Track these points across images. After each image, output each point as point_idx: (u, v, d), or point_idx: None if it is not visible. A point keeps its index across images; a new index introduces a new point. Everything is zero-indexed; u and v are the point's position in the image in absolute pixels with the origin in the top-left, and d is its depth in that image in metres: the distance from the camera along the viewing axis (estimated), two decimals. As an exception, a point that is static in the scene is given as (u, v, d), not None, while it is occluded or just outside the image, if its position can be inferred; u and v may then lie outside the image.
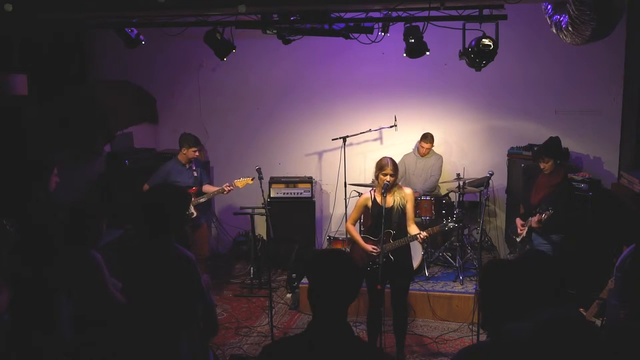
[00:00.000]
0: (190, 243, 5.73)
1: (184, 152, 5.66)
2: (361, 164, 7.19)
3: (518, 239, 5.28)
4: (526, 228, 5.12)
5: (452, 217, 4.52)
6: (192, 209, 5.59)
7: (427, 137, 6.44)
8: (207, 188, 5.83)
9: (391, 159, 4.35)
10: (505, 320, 2.00)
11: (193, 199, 5.66)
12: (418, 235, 4.30)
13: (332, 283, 1.95)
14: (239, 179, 5.79)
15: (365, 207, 4.50)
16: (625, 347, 2.58)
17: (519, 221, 5.28)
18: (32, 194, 3.94)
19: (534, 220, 4.94)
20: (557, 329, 1.69)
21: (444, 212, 6.21)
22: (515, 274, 2.08)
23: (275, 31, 4.98)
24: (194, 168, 5.79)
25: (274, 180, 6.97)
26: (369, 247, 4.39)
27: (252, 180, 5.84)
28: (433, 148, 6.58)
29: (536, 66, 6.62)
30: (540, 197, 5.06)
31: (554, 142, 5.30)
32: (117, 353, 2.97)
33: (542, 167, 5.06)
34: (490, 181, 5.07)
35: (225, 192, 5.74)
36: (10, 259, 2.92)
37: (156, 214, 2.92)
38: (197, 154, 5.66)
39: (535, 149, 5.68)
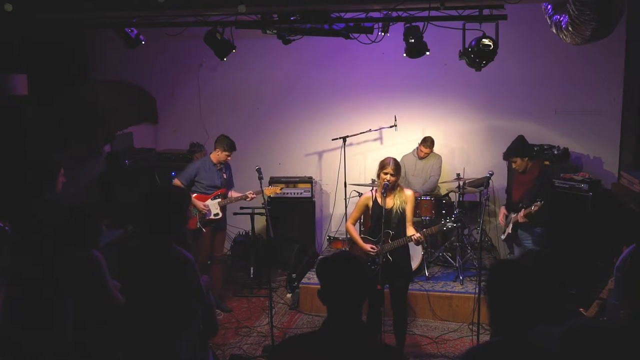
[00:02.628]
0: (210, 244, 5.80)
1: (217, 154, 5.70)
2: (361, 164, 7.19)
3: (503, 237, 5.35)
4: (510, 225, 5.15)
5: (451, 217, 4.53)
6: (218, 210, 5.68)
7: (427, 142, 6.43)
8: (231, 193, 5.89)
9: (394, 159, 4.36)
10: (515, 321, 1.99)
11: (220, 200, 5.70)
12: (412, 237, 4.32)
13: (341, 285, 2.03)
14: (267, 187, 5.92)
15: (366, 207, 4.51)
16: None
17: (503, 210, 5.36)
18: (40, 195, 3.94)
19: (520, 215, 4.97)
20: (589, 335, 1.65)
21: (444, 212, 6.21)
22: (523, 274, 2.07)
23: (275, 31, 4.98)
24: (224, 170, 5.83)
25: (274, 180, 6.97)
26: (367, 246, 4.40)
27: (280, 189, 6.00)
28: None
29: (536, 66, 6.61)
30: (520, 194, 5.12)
31: (519, 141, 5.39)
32: (117, 353, 2.98)
33: (514, 167, 5.16)
34: (490, 181, 5.06)
35: (248, 199, 5.79)
36: (12, 260, 2.92)
37: (156, 213, 2.92)
38: (229, 158, 5.74)
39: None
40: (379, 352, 2.01)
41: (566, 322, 1.71)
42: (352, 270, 2.06)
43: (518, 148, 5.21)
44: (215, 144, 5.73)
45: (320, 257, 1.76)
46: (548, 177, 5.33)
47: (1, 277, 2.80)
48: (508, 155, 5.27)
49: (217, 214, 5.71)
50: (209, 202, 5.67)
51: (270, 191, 5.86)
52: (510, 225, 5.14)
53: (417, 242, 4.38)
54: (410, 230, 4.40)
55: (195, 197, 5.62)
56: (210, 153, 5.81)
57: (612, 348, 1.59)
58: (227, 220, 6.01)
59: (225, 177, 5.82)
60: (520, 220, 4.98)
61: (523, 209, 4.95)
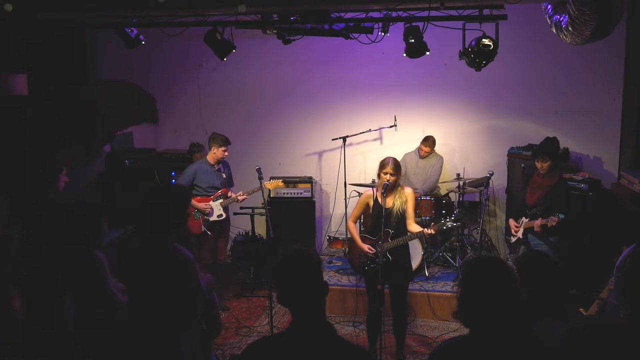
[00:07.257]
0: (214, 247, 5.82)
1: (214, 152, 5.68)
2: (361, 164, 7.19)
3: (512, 240, 5.17)
4: (521, 229, 5.02)
5: (451, 217, 4.48)
6: (221, 211, 5.68)
7: (428, 141, 6.43)
8: (230, 193, 5.89)
9: (394, 158, 4.35)
10: (484, 317, 2.00)
11: (222, 201, 5.69)
12: (423, 231, 4.31)
13: (297, 287, 2.02)
14: (269, 180, 5.94)
15: (367, 205, 4.51)
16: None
17: (512, 222, 5.19)
18: (41, 194, 3.94)
19: (536, 223, 4.81)
20: (591, 335, 1.64)
21: (444, 212, 6.21)
22: (497, 271, 2.07)
23: (275, 31, 4.99)
24: (222, 170, 5.81)
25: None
26: (366, 247, 4.40)
27: (282, 182, 6.06)
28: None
29: (536, 66, 6.61)
30: (536, 198, 4.98)
31: (553, 142, 5.26)
32: (118, 353, 2.97)
33: (538, 166, 4.98)
34: (490, 181, 5.06)
35: (239, 201, 5.78)
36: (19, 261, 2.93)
37: (157, 213, 2.92)
38: (226, 154, 5.71)
39: (535, 147, 5.63)
40: (344, 351, 2.00)
41: (569, 320, 1.71)
42: (305, 270, 2.04)
43: (554, 150, 5.05)
44: (210, 143, 5.72)
45: (273, 261, 1.74)
46: (567, 185, 5.17)
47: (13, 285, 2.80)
48: (542, 153, 4.98)
49: (220, 215, 5.71)
50: (210, 203, 5.67)
51: (272, 185, 5.81)
52: (522, 230, 5.00)
53: (426, 237, 4.33)
54: (414, 227, 4.38)
55: (196, 200, 5.60)
56: (207, 155, 5.79)
57: (613, 348, 1.59)
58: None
59: (224, 176, 5.81)
60: (536, 229, 4.82)
61: (540, 219, 4.78)
